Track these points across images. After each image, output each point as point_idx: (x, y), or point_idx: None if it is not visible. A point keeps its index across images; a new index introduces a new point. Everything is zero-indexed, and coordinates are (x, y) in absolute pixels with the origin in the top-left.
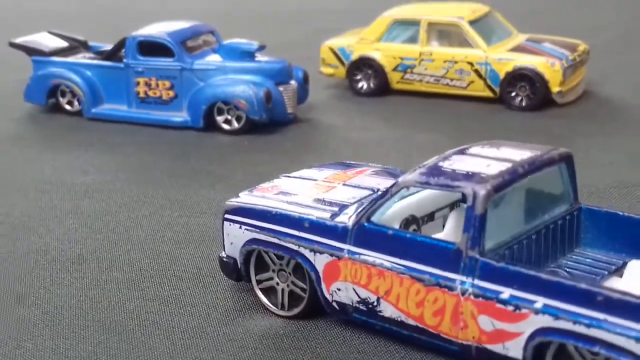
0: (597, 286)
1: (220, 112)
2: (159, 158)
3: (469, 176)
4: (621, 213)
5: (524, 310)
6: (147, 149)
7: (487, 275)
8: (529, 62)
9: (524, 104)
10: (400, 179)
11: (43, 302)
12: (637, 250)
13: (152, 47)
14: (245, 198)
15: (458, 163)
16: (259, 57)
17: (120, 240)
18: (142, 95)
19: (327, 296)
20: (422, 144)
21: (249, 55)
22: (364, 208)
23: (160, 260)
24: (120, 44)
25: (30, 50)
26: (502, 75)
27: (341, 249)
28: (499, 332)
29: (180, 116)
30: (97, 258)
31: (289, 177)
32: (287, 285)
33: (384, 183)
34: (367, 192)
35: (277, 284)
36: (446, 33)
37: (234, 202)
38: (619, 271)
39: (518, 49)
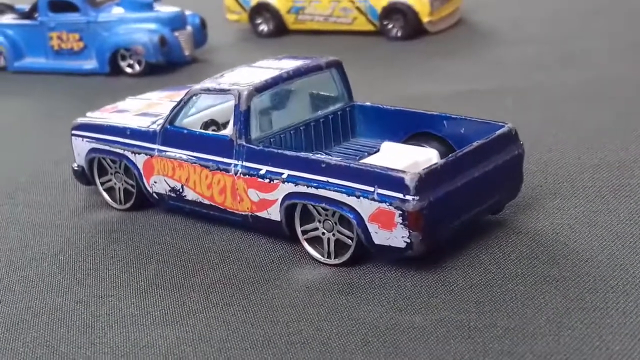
0: (320, 158)
1: (124, 58)
2: (73, 105)
3: (238, 81)
4: (382, 106)
5: (275, 181)
6: (62, 96)
7: (251, 157)
8: None
9: (399, 34)
10: (190, 89)
11: None
12: (395, 135)
13: (60, 5)
14: (89, 116)
15: (239, 74)
16: (158, 7)
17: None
18: (56, 48)
19: (149, 189)
20: None
21: (148, 6)
22: (167, 114)
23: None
24: (35, 5)
25: None
26: (379, 10)
27: (152, 149)
28: (263, 202)
29: (90, 64)
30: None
31: (133, 98)
32: (122, 184)
33: None
34: None
35: (115, 184)
36: None
37: (79, 119)
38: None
39: None
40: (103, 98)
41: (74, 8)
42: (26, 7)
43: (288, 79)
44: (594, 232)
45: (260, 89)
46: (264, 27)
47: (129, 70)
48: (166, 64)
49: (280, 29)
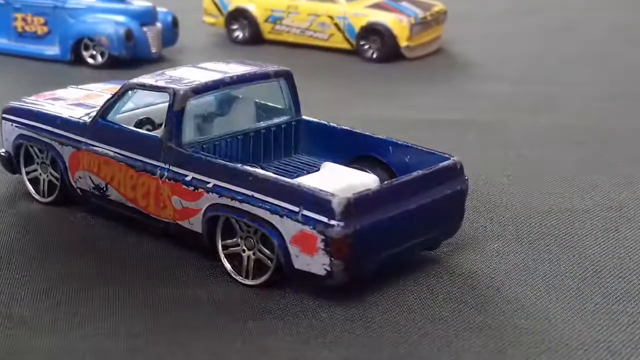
0: (248, 169)
1: (87, 48)
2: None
3: (177, 80)
4: (328, 123)
5: (199, 190)
6: (14, 80)
7: (179, 162)
8: (381, 17)
9: (374, 56)
10: (126, 82)
11: None
12: (340, 155)
13: None
14: (23, 101)
15: (181, 72)
16: (132, 1)
17: None
18: (19, 29)
19: (73, 183)
20: None
21: None
22: (100, 107)
23: None
24: None
25: None
26: (357, 29)
27: (80, 142)
28: (185, 210)
29: (52, 50)
30: None
31: (75, 87)
32: (47, 176)
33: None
34: None
35: (40, 174)
36: None
37: (11, 103)
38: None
39: (375, 6)
40: (57, 86)
41: None
42: None
43: (230, 83)
44: (529, 281)
45: (198, 90)
46: (239, 34)
47: (90, 60)
48: (130, 58)
49: (256, 38)
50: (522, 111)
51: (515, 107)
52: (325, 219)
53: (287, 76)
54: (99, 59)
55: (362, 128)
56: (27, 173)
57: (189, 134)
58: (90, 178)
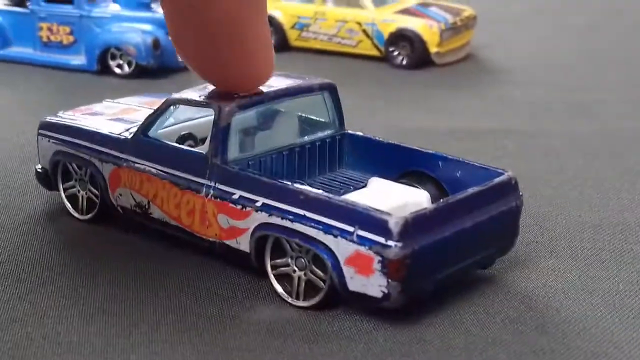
0: (299, 188)
1: (114, 58)
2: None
3: (221, 95)
4: (374, 138)
5: (248, 209)
6: (43, 91)
7: (225, 180)
8: (410, 23)
9: (404, 62)
10: (168, 98)
11: None
12: (385, 170)
13: None
14: (60, 116)
15: None
16: (157, 8)
17: None
18: (45, 39)
19: (113, 201)
20: None
21: (145, 6)
22: (141, 123)
23: None
24: None
25: None
26: (386, 35)
27: (121, 158)
28: (232, 229)
29: (78, 60)
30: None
31: (111, 101)
32: (85, 193)
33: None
34: None
35: (78, 191)
36: None
37: (47, 118)
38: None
39: (404, 12)
40: (86, 97)
41: (68, 0)
42: None
43: (275, 98)
44: (589, 300)
45: (243, 106)
46: None
47: (117, 70)
48: (158, 68)
49: (282, 45)
50: (559, 118)
51: (552, 114)
52: (382, 240)
53: (332, 89)
54: (126, 68)
55: (398, 138)
56: (65, 190)
57: (234, 150)
58: (131, 195)
